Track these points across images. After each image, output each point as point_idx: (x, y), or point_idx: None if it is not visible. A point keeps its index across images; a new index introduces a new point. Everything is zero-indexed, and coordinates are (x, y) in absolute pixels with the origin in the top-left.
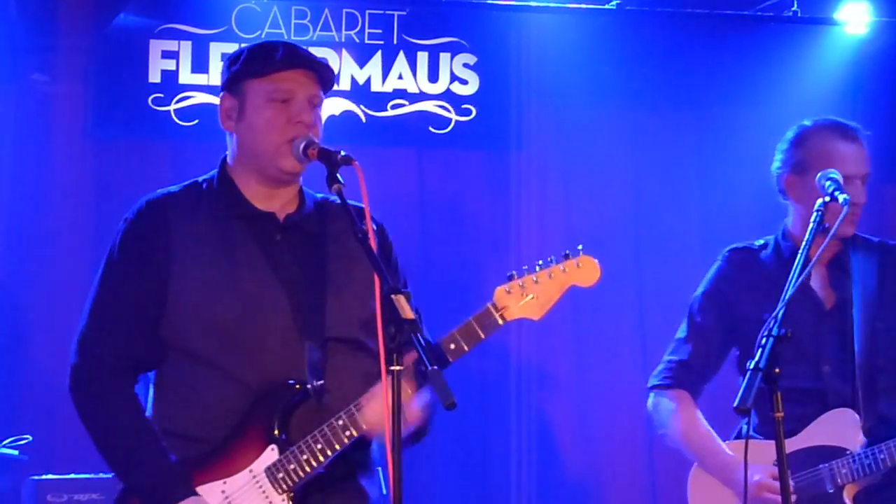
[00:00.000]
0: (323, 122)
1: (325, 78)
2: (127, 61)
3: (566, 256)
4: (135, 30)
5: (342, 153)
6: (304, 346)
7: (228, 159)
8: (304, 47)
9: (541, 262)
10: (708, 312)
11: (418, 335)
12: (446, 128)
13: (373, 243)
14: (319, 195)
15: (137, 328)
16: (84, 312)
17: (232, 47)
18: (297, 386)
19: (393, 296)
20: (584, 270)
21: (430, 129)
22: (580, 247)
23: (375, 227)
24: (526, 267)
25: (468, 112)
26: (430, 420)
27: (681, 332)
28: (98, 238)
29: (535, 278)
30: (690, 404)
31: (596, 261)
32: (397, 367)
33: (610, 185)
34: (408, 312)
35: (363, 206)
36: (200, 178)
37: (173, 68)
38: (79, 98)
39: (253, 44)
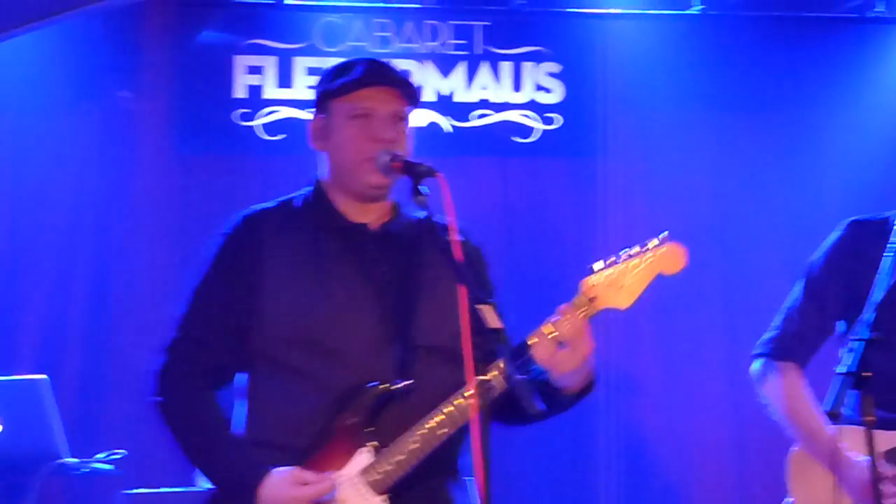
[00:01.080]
0: (407, 129)
1: (408, 92)
2: (211, 77)
3: (651, 243)
4: (219, 46)
5: (425, 165)
6: (391, 351)
7: (321, 176)
8: (387, 62)
9: (625, 249)
10: (822, 284)
11: (505, 344)
12: (530, 137)
13: (458, 254)
14: (418, 214)
15: (227, 338)
16: (175, 321)
17: (316, 61)
18: (382, 386)
19: (478, 306)
20: (670, 257)
21: (515, 138)
22: (665, 233)
23: (464, 240)
24: (611, 258)
25: (552, 121)
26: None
27: (792, 301)
28: (186, 254)
29: (621, 266)
30: (799, 379)
31: (682, 246)
32: (484, 378)
33: (695, 190)
34: (494, 321)
35: (447, 220)
36: (294, 195)
37: (258, 83)
38: (164, 115)
39: (337, 64)
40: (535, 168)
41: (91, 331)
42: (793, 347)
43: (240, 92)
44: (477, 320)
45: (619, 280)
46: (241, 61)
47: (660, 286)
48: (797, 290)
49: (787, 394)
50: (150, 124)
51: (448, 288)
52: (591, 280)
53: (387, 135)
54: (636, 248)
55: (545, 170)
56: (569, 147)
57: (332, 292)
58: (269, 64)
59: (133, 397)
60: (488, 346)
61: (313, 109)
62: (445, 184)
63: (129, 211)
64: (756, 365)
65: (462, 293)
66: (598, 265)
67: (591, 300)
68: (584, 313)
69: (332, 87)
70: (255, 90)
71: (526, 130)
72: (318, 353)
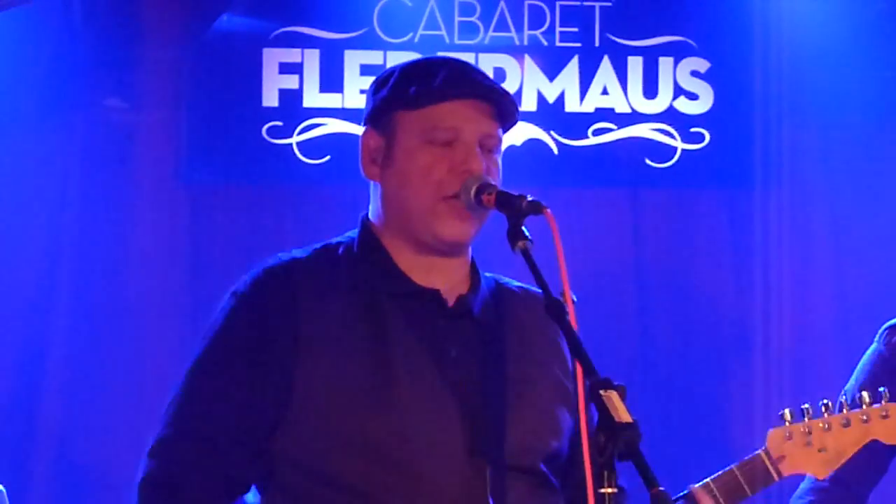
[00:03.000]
0: (502, 153)
1: (505, 111)
2: (233, 79)
3: (869, 401)
4: (243, 36)
5: (528, 198)
6: (484, 474)
7: (372, 216)
8: (475, 66)
9: (828, 402)
10: None
11: (638, 447)
12: (670, 160)
13: (573, 318)
14: (490, 275)
15: (240, 439)
16: (168, 408)
17: (374, 56)
18: None
19: (602, 392)
20: (893, 422)
21: (648, 161)
22: (885, 391)
23: (575, 300)
24: (807, 407)
25: (699, 137)
26: None
27: None
28: (194, 313)
29: (824, 424)
30: None
31: None
32: (609, 490)
33: (895, 232)
34: (623, 414)
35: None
36: (335, 241)
37: (296, 87)
38: (168, 130)
39: (407, 63)
40: (675, 201)
41: (62, 425)
42: (835, 499)
43: (270, 99)
44: (601, 412)
45: (817, 440)
46: (273, 57)
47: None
48: None
49: None
50: (149, 143)
51: (547, 384)
52: (780, 433)
53: (475, 166)
54: (844, 404)
55: (688, 203)
56: (721, 173)
57: (397, 382)
58: (311, 60)
59: (129, 464)
60: (616, 447)
61: (364, 124)
62: (555, 224)
63: (120, 258)
64: None
65: (580, 376)
66: (787, 413)
67: (779, 460)
68: (757, 481)
69: (401, 95)
70: (291, 96)
71: (663, 151)
72: (379, 467)
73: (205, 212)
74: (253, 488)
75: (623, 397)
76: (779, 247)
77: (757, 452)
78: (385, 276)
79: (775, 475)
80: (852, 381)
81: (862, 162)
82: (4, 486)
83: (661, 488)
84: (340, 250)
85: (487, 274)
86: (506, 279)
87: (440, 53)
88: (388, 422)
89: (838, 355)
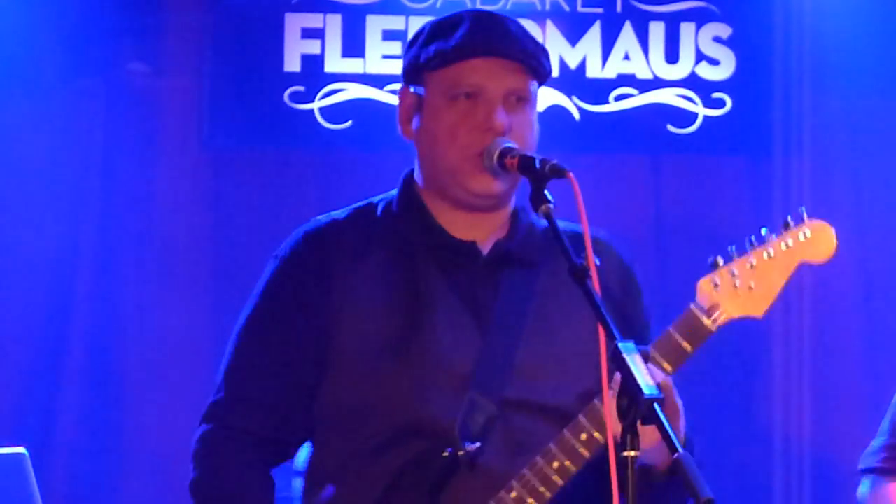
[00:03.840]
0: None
1: (534, 63)
2: (255, 44)
3: (786, 226)
4: (265, 1)
5: (551, 161)
6: (463, 401)
7: (415, 173)
8: (506, 22)
9: (753, 237)
10: None
11: (661, 410)
12: (691, 125)
13: (596, 282)
14: (545, 221)
15: (290, 399)
16: (220, 373)
17: (396, 22)
18: (444, 454)
19: (625, 356)
20: (815, 241)
21: (670, 127)
22: (803, 209)
23: (606, 258)
24: (733, 247)
25: (721, 103)
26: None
27: None
28: (217, 277)
29: (750, 261)
30: None
31: (828, 225)
32: (632, 454)
33: None
34: (646, 378)
35: (582, 231)
36: (376, 199)
37: (318, 52)
38: (191, 94)
39: (438, 18)
40: (696, 167)
41: (86, 385)
42: None
43: (292, 64)
44: (625, 375)
45: (745, 279)
46: (295, 21)
47: None
48: None
49: None
50: (172, 108)
51: (578, 333)
52: (707, 283)
53: (498, 122)
54: (766, 234)
55: (709, 170)
56: (742, 139)
57: (427, 337)
58: (333, 25)
59: (143, 474)
60: (639, 411)
61: (398, 85)
62: (578, 188)
63: (143, 222)
64: (864, 488)
65: (602, 338)
66: (719, 260)
67: (711, 310)
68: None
69: (429, 52)
70: (313, 61)
71: (684, 117)
72: (401, 419)
73: (227, 177)
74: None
75: (646, 361)
76: (801, 213)
77: (688, 307)
78: (423, 230)
79: (712, 326)
80: None
81: (884, 129)
82: (27, 450)
83: (683, 452)
84: (380, 209)
85: (544, 220)
86: (552, 222)
87: None
88: (413, 385)
89: (861, 325)
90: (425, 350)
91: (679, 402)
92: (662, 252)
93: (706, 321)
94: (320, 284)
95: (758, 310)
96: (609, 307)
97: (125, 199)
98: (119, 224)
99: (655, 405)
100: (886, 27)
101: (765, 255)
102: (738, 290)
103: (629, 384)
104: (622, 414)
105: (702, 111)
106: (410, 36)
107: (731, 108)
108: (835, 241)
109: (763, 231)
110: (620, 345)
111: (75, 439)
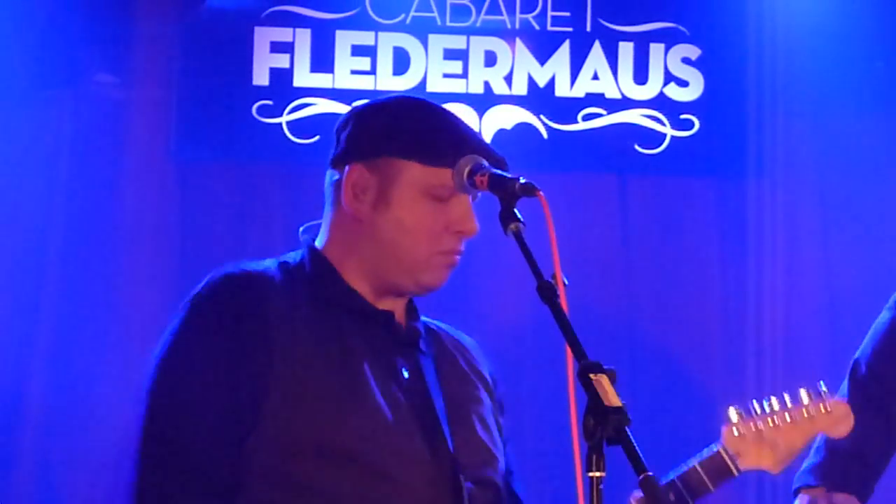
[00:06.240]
0: (492, 135)
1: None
2: (224, 57)
3: (807, 399)
4: (235, 14)
5: (522, 180)
6: (447, 482)
7: (321, 244)
8: (472, 128)
9: (774, 400)
10: (883, 381)
11: (627, 431)
12: (659, 146)
13: (564, 301)
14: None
15: (221, 451)
16: (144, 429)
17: (366, 37)
18: None
19: (592, 375)
20: (835, 416)
21: (637, 147)
22: (822, 383)
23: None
24: (754, 401)
25: (689, 124)
26: None
27: None
28: (183, 291)
29: (772, 421)
30: None
31: (847, 406)
32: (597, 474)
33: (886, 223)
34: (613, 398)
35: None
36: (282, 259)
37: (287, 66)
38: (159, 106)
39: (408, 108)
40: (664, 189)
41: (49, 402)
42: (847, 473)
43: (261, 77)
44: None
45: (769, 438)
46: (264, 35)
47: None
48: (843, 396)
49: None
50: (140, 119)
51: (486, 411)
52: (731, 430)
53: (469, 228)
54: (788, 401)
55: (676, 191)
56: (710, 160)
57: (364, 393)
58: (302, 39)
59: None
60: (605, 430)
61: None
62: (547, 206)
63: (108, 238)
64: None
65: (569, 358)
66: (733, 414)
67: (735, 456)
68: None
69: (413, 146)
70: (282, 75)
71: (652, 137)
72: (353, 472)
73: (194, 189)
74: None
75: (613, 381)
76: (768, 236)
77: (716, 450)
78: (341, 294)
79: (734, 471)
80: (866, 348)
81: (854, 152)
82: None
83: (650, 473)
84: (292, 267)
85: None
86: (426, 318)
87: (431, 36)
88: (360, 429)
89: (827, 344)
90: (369, 411)
91: None
92: (629, 271)
93: (731, 466)
94: (251, 327)
95: (776, 467)
96: (490, 400)
97: (92, 211)
98: (86, 235)
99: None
100: (858, 48)
101: (789, 419)
102: (762, 444)
103: (595, 404)
104: (589, 434)
105: (670, 132)
106: (378, 53)
107: (699, 129)
108: (852, 420)
109: (786, 396)
110: (586, 364)
111: (40, 447)
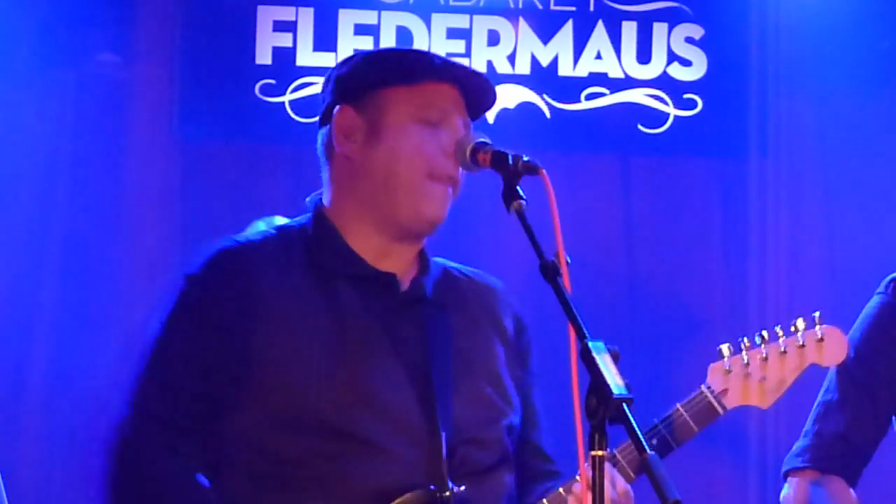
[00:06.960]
0: (495, 115)
1: (476, 100)
2: (226, 36)
3: (803, 327)
4: None
5: (525, 158)
6: (440, 446)
7: (326, 200)
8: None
9: (765, 333)
10: (871, 365)
11: (629, 409)
12: (662, 126)
13: (567, 280)
14: (440, 260)
15: (201, 421)
16: (132, 387)
17: (369, 16)
18: (440, 493)
19: (595, 355)
20: (828, 345)
21: (640, 127)
22: (817, 314)
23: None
24: (744, 340)
25: (692, 104)
26: None
27: (828, 394)
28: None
29: (763, 353)
30: (848, 497)
31: (840, 332)
32: (599, 453)
33: (888, 203)
34: (616, 378)
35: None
36: (287, 224)
37: (289, 45)
38: (162, 86)
39: (379, 49)
40: (667, 168)
41: (51, 385)
42: (835, 456)
43: (264, 57)
44: (594, 374)
45: (757, 371)
46: (267, 14)
47: None
48: (832, 380)
49: None
50: (143, 99)
51: (498, 367)
52: (719, 367)
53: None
54: (779, 332)
55: (680, 171)
56: (712, 140)
57: (357, 361)
58: (305, 18)
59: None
60: (608, 409)
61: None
62: (550, 185)
63: (112, 215)
64: (787, 490)
65: (571, 337)
66: (725, 349)
67: (722, 394)
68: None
69: (395, 70)
70: (285, 54)
71: (655, 117)
72: (338, 442)
73: (196, 168)
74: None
75: (616, 361)
76: (771, 216)
77: (700, 389)
78: (341, 258)
79: (720, 409)
80: (854, 333)
81: (857, 131)
82: None
83: (652, 453)
84: (294, 233)
85: (436, 259)
86: (452, 264)
87: (434, 15)
88: (346, 398)
89: (829, 323)
90: (356, 379)
91: None
92: (632, 251)
93: (716, 405)
94: (239, 301)
95: (765, 402)
96: (508, 351)
97: (94, 191)
98: (88, 215)
99: (624, 405)
100: (860, 28)
101: (780, 350)
102: (749, 379)
103: (598, 383)
104: (591, 413)
105: (673, 111)
106: (381, 32)
107: (703, 108)
108: (846, 347)
109: (777, 328)
110: (590, 343)
111: (41, 441)
